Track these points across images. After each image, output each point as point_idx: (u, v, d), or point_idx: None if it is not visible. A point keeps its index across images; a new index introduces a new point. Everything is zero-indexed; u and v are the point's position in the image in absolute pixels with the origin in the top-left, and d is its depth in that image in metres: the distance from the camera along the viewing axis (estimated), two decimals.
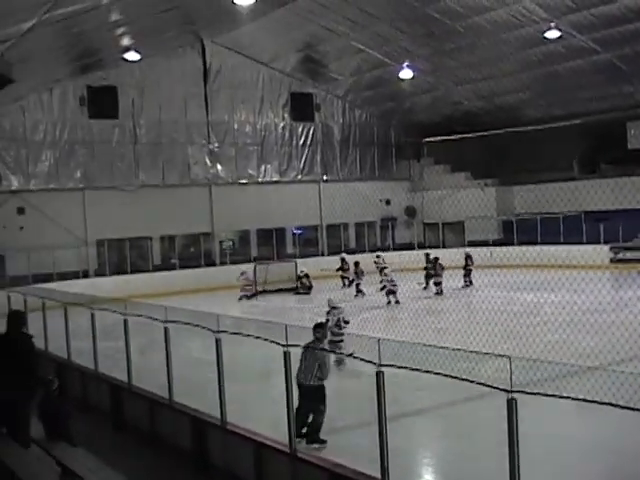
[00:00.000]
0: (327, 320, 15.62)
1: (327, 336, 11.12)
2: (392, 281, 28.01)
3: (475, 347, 11.02)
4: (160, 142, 37.67)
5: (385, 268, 30.42)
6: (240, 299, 31.73)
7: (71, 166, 35.53)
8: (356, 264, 31.86)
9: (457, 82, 39.43)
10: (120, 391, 13.68)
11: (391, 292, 27.89)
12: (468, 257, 32.97)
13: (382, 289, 28.46)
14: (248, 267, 33.53)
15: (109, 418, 13.75)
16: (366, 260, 33.40)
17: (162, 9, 25.94)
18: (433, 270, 31.01)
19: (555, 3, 29.42)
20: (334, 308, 16.91)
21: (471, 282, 32.22)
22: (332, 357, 12.60)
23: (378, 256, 34.32)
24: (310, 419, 10.80)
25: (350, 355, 15.82)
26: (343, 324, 16.10)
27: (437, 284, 30.47)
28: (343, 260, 34.21)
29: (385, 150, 46.16)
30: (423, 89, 40.76)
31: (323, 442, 10.68)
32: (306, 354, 10.73)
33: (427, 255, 32.68)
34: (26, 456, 9.10)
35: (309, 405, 10.77)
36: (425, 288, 31.21)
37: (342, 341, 14.87)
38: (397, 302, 27.59)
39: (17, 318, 10.12)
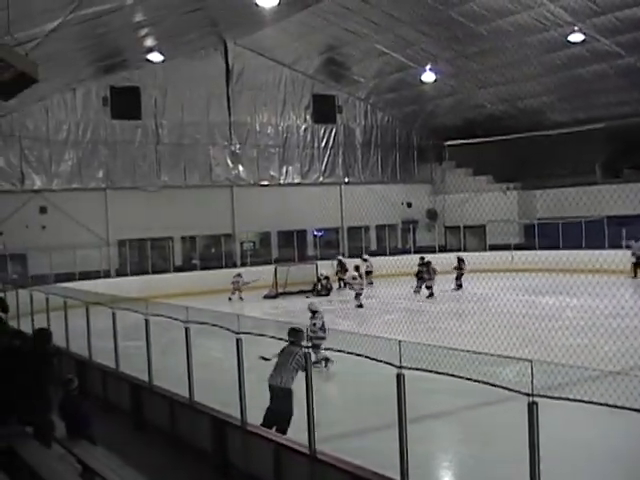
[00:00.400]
0: (314, 324, 15.67)
1: (304, 339, 11.27)
2: (360, 285, 29.31)
3: (496, 351, 10.97)
4: (182, 143, 37.81)
5: (370, 272, 30.98)
6: (229, 299, 32.32)
7: (94, 166, 35.73)
8: (356, 268, 31.93)
9: (480, 85, 39.33)
10: (141, 390, 13.71)
11: (358, 295, 28.85)
12: (460, 260, 33.38)
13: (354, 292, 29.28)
14: (263, 270, 34.00)
15: (129, 417, 13.79)
16: (385, 262, 33.47)
17: (185, 10, 26.03)
18: (427, 274, 31.09)
19: (579, 7, 29.29)
20: (316, 312, 17.10)
21: (461, 285, 32.50)
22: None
23: (365, 259, 34.55)
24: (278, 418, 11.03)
25: (327, 360, 15.85)
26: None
27: (429, 287, 30.66)
28: (340, 262, 34.40)
29: (407, 153, 46.11)
30: (445, 92, 40.69)
31: None
32: (281, 357, 11.25)
33: (422, 258, 32.59)
34: (48, 455, 9.16)
35: (279, 407, 11.00)
36: (417, 292, 31.43)
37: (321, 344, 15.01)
38: (360, 306, 28.55)
39: (43, 336, 10.32)
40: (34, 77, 11.20)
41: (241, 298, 32.62)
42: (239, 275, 33.25)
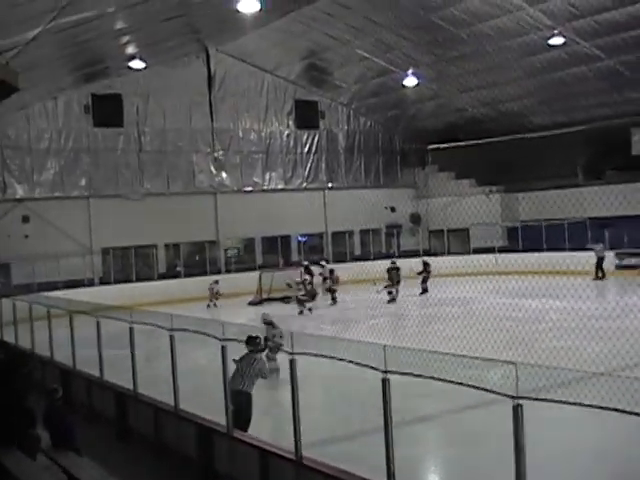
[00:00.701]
0: (274, 334, 15.47)
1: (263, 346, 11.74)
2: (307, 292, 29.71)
3: (480, 354, 11.01)
4: (165, 150, 37.76)
5: (327, 279, 30.96)
6: (208, 306, 32.43)
7: (76, 174, 35.62)
8: (331, 272, 32.20)
9: (461, 89, 39.48)
10: (125, 399, 13.67)
11: (300, 301, 29.29)
12: (425, 264, 33.58)
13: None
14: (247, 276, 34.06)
15: (114, 426, 13.74)
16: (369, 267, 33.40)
17: (167, 17, 26.01)
18: (396, 278, 31.28)
19: (559, 10, 29.45)
20: (271, 323, 16.86)
21: (426, 289, 32.81)
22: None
23: (322, 265, 34.19)
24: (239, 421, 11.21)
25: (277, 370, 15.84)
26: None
27: (389, 292, 30.70)
28: (307, 268, 34.24)
29: (390, 157, 46.21)
30: (427, 96, 40.82)
31: None
32: (241, 364, 11.74)
33: (393, 262, 32.61)
34: (33, 466, 9.11)
35: (239, 410, 11.20)
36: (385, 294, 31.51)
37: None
38: (310, 309, 29.00)
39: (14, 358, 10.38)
40: (15, 86, 11.19)
41: (215, 305, 32.57)
42: (215, 282, 33.25)
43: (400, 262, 32.70)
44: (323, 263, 34.75)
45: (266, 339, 13.77)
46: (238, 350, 11.28)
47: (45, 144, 34.93)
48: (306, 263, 35.03)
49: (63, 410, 10.71)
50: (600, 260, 34.51)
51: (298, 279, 30.65)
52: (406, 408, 10.67)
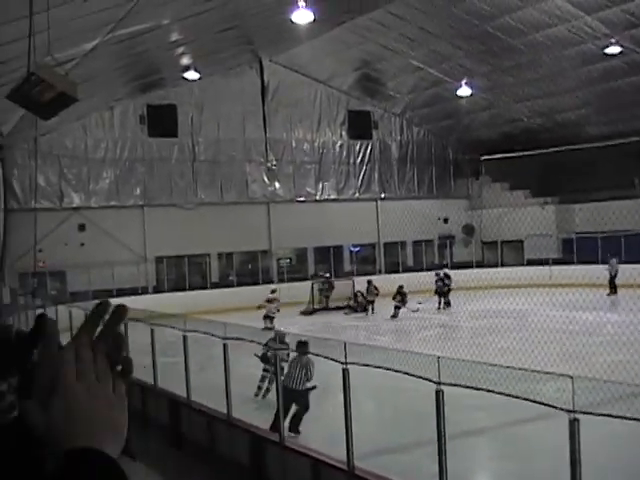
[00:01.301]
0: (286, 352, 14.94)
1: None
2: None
3: (535, 367, 10.86)
4: (218, 160, 37.99)
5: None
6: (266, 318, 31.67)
7: (131, 184, 36.03)
8: (369, 282, 32.84)
9: (516, 99, 39.12)
10: (179, 406, 13.76)
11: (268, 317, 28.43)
12: (447, 277, 33.00)
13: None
14: (302, 285, 34.01)
15: (168, 433, 13.83)
16: (425, 279, 33.22)
17: (221, 29, 26.21)
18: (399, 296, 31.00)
19: (617, 18, 29.08)
20: (282, 341, 14.94)
21: (449, 303, 32.44)
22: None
23: (273, 291, 32.08)
24: (293, 412, 12.31)
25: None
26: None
27: (396, 307, 30.37)
28: (328, 281, 34.43)
29: (443, 168, 45.95)
30: (481, 106, 40.54)
31: (298, 432, 12.40)
32: (292, 368, 12.66)
33: (437, 274, 32.94)
34: None
35: (298, 404, 12.38)
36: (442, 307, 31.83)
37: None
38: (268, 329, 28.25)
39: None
40: (74, 96, 11.31)
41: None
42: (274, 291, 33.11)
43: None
44: (328, 275, 34.71)
45: (267, 352, 14.13)
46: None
47: (101, 154, 35.39)
48: (327, 275, 34.93)
49: None
50: (614, 274, 33.82)
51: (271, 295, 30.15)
52: (459, 420, 10.57)
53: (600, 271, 32.42)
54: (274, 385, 15.55)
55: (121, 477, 1.12)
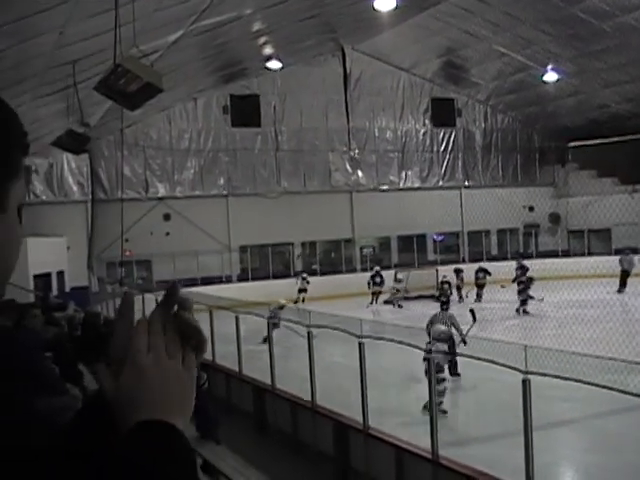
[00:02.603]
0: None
1: None
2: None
3: (624, 358, 10.61)
4: (301, 149, 38.12)
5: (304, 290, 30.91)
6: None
7: (215, 173, 36.42)
8: (458, 271, 32.42)
9: (604, 84, 38.21)
10: (263, 393, 13.86)
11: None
12: (483, 271, 32.26)
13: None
14: (385, 274, 33.72)
15: (252, 419, 13.95)
16: (507, 269, 32.73)
17: (303, 17, 26.25)
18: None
19: None
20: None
21: (480, 296, 31.51)
22: None
23: (304, 277, 33.53)
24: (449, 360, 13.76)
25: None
26: None
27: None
28: (304, 279, 33.60)
29: (528, 155, 45.22)
30: (568, 92, 39.70)
31: (459, 374, 15.13)
32: (436, 319, 15.21)
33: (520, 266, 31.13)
34: None
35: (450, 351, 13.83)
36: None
37: None
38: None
39: None
40: (159, 87, 11.46)
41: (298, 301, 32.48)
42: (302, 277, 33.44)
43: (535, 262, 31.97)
44: (304, 275, 34.16)
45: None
46: (373, 347, 11.22)
47: (185, 144, 35.87)
48: (305, 275, 34.16)
49: (208, 396, 11.05)
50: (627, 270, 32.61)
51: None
52: (544, 411, 10.40)
53: None
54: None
55: (189, 451, 1.11)
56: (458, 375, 15.26)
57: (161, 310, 1.20)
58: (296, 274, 35.52)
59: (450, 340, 14.23)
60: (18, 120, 1.12)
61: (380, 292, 32.85)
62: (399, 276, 33.49)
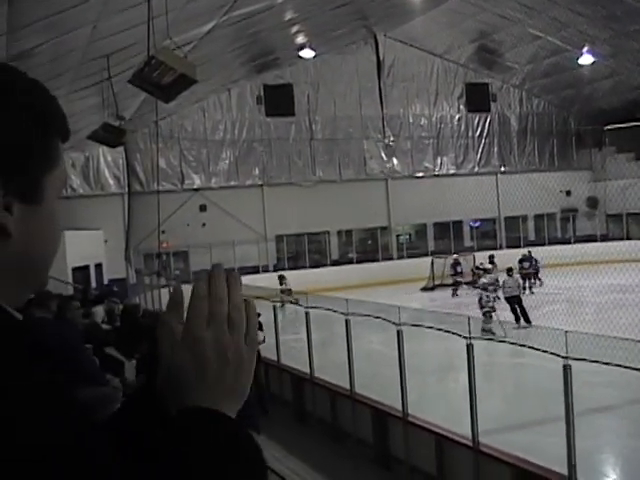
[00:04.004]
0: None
1: None
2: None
3: None
4: (336, 138, 38.07)
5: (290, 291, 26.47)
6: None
7: (250, 163, 36.50)
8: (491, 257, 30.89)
9: None
10: (302, 382, 13.89)
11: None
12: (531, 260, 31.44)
13: None
14: (422, 261, 33.59)
15: (292, 409, 13.99)
16: (543, 253, 32.45)
17: (335, 5, 26.18)
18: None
19: None
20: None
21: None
22: None
23: (282, 277, 30.11)
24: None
25: None
26: None
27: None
28: (282, 277, 30.29)
29: (564, 139, 44.78)
30: (604, 74, 39.21)
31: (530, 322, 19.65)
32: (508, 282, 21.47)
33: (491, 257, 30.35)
34: None
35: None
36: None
37: None
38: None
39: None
40: (193, 78, 11.50)
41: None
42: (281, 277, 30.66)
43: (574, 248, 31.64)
44: (281, 274, 31.01)
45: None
46: (412, 334, 11.19)
47: (220, 135, 35.99)
48: (282, 273, 32.13)
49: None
50: None
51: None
52: (585, 397, 10.31)
53: None
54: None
55: (250, 447, 1.02)
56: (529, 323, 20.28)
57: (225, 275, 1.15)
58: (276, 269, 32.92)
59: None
60: (57, 105, 1.08)
61: (461, 282, 31.73)
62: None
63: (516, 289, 22.38)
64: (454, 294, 30.82)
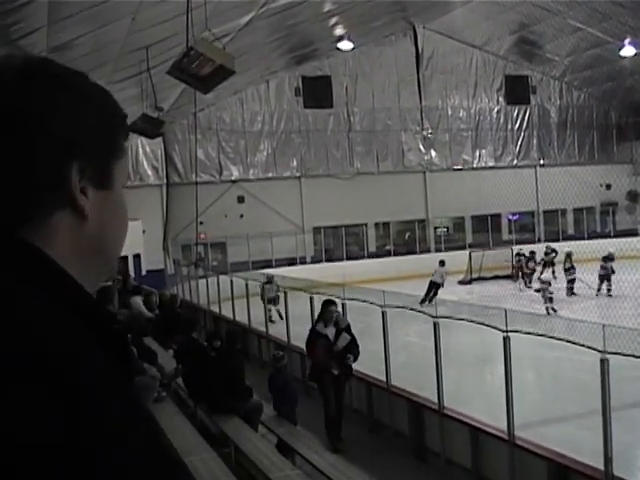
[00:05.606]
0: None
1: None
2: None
3: None
4: (374, 129, 38.00)
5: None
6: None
7: (288, 155, 36.55)
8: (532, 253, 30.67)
9: None
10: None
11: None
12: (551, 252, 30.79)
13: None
14: (460, 254, 33.46)
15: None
16: (582, 248, 32.08)
17: None
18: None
19: None
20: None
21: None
22: None
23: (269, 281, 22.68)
24: None
25: None
26: None
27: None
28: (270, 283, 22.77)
29: (605, 132, 44.29)
30: None
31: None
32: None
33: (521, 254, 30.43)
34: (251, 434, 9.48)
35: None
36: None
37: None
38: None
39: (233, 338, 11.36)
40: (231, 69, 11.55)
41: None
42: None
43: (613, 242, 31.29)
44: (270, 276, 23.66)
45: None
46: (449, 326, 11.16)
47: (258, 127, 36.06)
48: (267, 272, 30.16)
49: (287, 376, 11.29)
50: None
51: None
52: (623, 392, 10.22)
53: None
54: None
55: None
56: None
57: None
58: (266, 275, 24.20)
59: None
60: (120, 106, 1.20)
61: (534, 271, 30.53)
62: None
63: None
64: (527, 285, 30.09)
